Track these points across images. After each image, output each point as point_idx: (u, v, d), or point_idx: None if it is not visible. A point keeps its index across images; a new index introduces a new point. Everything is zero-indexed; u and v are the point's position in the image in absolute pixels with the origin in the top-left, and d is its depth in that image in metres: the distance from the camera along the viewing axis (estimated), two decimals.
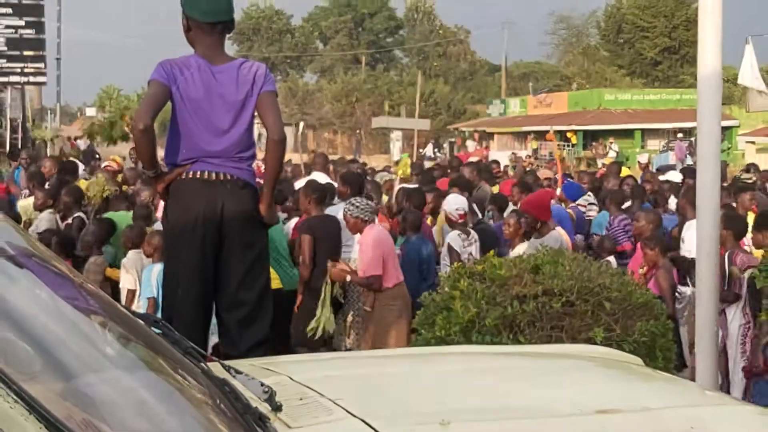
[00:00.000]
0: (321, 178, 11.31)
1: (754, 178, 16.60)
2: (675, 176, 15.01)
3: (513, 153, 41.91)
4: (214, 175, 4.54)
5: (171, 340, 2.70)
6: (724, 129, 42.44)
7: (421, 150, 47.06)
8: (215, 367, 2.70)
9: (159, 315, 4.47)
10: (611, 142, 40.96)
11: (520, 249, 7.30)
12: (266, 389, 2.56)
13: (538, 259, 4.95)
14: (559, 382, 2.97)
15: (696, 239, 4.69)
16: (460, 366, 3.20)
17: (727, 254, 7.10)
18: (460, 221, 8.07)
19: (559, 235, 7.51)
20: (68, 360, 2.05)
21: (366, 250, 7.07)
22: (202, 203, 4.50)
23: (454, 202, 8.27)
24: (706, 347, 4.45)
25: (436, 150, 45.62)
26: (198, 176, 4.51)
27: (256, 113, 4.70)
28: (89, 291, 2.63)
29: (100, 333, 2.39)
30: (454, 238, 7.98)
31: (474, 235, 8.11)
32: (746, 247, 7.54)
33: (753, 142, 37.73)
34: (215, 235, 4.53)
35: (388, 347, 6.82)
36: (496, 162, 20.79)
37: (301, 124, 43.17)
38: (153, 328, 2.74)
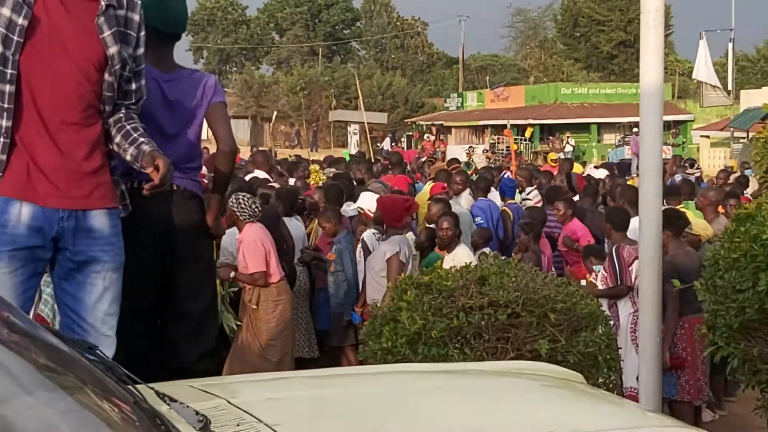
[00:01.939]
0: (260, 175, 11.40)
1: (699, 174, 16.94)
2: (600, 173, 15.23)
3: (470, 146, 42.08)
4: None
5: (105, 367, 2.65)
6: (679, 123, 43.02)
7: (378, 144, 47.09)
8: (150, 395, 2.66)
9: None
10: (568, 137, 41.27)
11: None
12: (201, 418, 2.52)
13: (484, 270, 4.94)
14: (496, 403, 2.96)
15: (640, 248, 4.71)
16: (399, 386, 3.18)
17: (614, 248, 7.38)
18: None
19: (402, 238, 7.60)
20: None
21: (248, 247, 7.18)
22: (148, 213, 4.43)
23: (370, 201, 8.35)
24: (650, 362, 4.46)
25: (393, 144, 45.61)
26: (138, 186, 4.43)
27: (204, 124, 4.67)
28: (8, 319, 2.56)
29: (18, 363, 2.33)
30: (369, 236, 8.12)
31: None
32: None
33: (707, 137, 38.20)
34: (161, 247, 4.47)
35: (275, 342, 7.17)
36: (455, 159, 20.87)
37: (274, 113, 43.00)
38: (86, 355, 2.69)
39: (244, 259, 7.24)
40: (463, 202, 10.25)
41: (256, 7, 79.23)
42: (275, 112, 43.45)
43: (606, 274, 7.48)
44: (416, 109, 59.28)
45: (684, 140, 41.87)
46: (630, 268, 7.25)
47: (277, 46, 76.70)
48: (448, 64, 74.17)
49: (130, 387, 2.57)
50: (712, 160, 32.66)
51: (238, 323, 7.31)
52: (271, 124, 42.85)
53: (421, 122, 54.01)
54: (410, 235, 8.44)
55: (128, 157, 3.75)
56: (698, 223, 8.33)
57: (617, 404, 3.47)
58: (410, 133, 52.76)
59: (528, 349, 4.62)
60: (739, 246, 4.07)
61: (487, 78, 61.83)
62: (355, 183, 11.49)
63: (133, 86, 3.85)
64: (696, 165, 18.61)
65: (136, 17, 3.78)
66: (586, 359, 4.74)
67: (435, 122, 52.22)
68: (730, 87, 36.17)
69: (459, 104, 54.02)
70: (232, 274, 7.29)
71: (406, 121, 55.18)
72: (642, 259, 4.67)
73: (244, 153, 24.12)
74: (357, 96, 58.08)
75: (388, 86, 58.26)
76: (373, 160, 18.40)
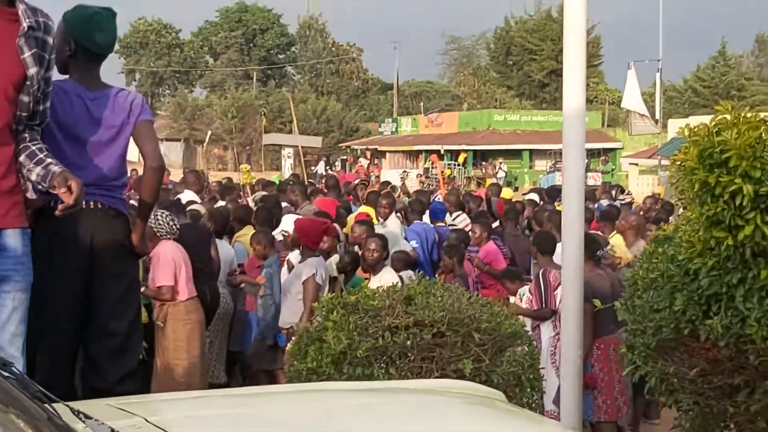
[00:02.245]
0: (190, 196, 11.35)
1: (630, 200, 17.31)
2: (534, 197, 15.50)
3: (404, 171, 42.29)
4: (84, 203, 4.42)
5: (20, 384, 2.61)
6: (609, 151, 43.80)
7: (312, 167, 47.06)
8: (65, 412, 2.63)
9: None
10: (501, 162, 41.72)
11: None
12: None
13: (411, 290, 4.97)
14: (418, 420, 2.98)
15: (563, 270, 4.79)
16: (321, 405, 3.18)
17: (540, 272, 7.52)
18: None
19: (319, 261, 7.62)
20: None
21: (157, 261, 7.16)
22: (72, 231, 4.38)
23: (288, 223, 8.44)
24: (571, 381, 4.53)
25: (327, 168, 45.64)
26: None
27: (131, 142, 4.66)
28: None
29: None
30: (295, 257, 8.10)
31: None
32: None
33: (636, 164, 38.92)
34: (85, 265, 4.42)
35: (180, 363, 7.08)
36: (387, 182, 21.05)
37: (209, 133, 42.79)
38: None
39: (152, 272, 7.20)
40: (390, 225, 10.29)
41: (190, 30, 78.73)
42: (209, 133, 43.24)
43: (531, 297, 7.57)
44: (351, 133, 59.46)
45: (613, 167, 42.57)
46: (555, 292, 7.36)
47: (211, 69, 76.30)
48: (383, 90, 74.57)
49: (45, 404, 2.54)
50: (640, 187, 33.23)
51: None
52: (205, 146, 42.60)
53: (356, 146, 54.18)
54: (335, 258, 8.43)
55: (34, 177, 3.74)
56: (618, 245, 8.54)
57: (538, 422, 3.52)
58: (345, 157, 52.89)
59: (452, 368, 4.66)
60: (656, 266, 4.17)
61: (422, 104, 62.30)
62: (289, 204, 11.55)
63: (41, 107, 3.86)
64: (627, 191, 19.05)
65: (50, 40, 3.81)
66: (509, 379, 4.80)
67: (370, 146, 52.44)
68: (658, 116, 36.92)
69: (393, 129, 54.34)
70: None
71: (340, 145, 55.29)
72: (564, 280, 4.75)
73: (176, 175, 23.92)
74: (291, 120, 58.21)
75: (323, 110, 58.37)
76: (306, 183, 18.41)
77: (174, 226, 7.26)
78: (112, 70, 68.52)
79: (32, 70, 3.65)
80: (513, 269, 8.72)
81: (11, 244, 3.60)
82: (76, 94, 4.50)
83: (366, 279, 7.88)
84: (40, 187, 3.77)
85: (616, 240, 9.00)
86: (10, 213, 3.63)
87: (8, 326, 3.65)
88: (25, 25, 3.63)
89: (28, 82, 3.66)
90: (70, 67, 4.58)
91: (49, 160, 3.76)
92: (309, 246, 7.65)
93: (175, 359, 7.08)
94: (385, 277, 7.60)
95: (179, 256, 7.23)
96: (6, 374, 2.63)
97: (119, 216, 4.63)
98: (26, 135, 3.82)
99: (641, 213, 13.05)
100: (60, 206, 3.63)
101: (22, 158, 3.76)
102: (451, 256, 8.56)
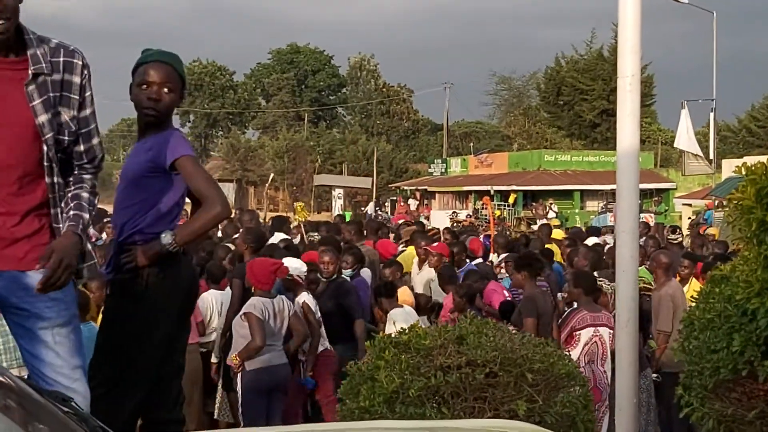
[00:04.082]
0: None
1: (680, 239, 17.16)
2: (593, 241, 15.37)
3: (454, 212, 42.27)
4: (183, 248, 4.50)
5: (79, 419, 2.65)
6: (662, 191, 43.39)
7: (362, 208, 47.25)
8: None
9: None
10: (551, 203, 41.54)
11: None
12: None
13: (462, 329, 4.96)
14: None
15: (616, 310, 4.75)
16: None
17: (570, 309, 7.66)
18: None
19: (266, 300, 7.53)
20: None
21: None
22: (187, 275, 4.49)
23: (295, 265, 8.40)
24: (625, 423, 4.47)
25: (377, 209, 45.78)
26: (182, 249, 4.43)
27: None
28: None
29: None
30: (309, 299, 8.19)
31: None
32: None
33: (690, 204, 38.48)
34: (185, 307, 4.54)
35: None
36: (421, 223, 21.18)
37: (271, 175, 43.31)
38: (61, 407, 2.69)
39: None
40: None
41: (243, 72, 79.89)
42: (272, 175, 43.71)
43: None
44: (400, 174, 59.62)
45: (666, 208, 42.17)
46: (576, 333, 7.44)
47: (263, 111, 77.20)
48: (432, 131, 74.78)
49: None
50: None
51: None
52: (267, 186, 42.99)
53: (406, 187, 54.28)
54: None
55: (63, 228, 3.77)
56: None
57: None
58: (394, 198, 53.01)
59: (505, 409, 4.62)
60: (713, 306, 4.12)
61: (471, 144, 62.35)
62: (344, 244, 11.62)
63: (81, 147, 3.85)
64: (678, 230, 18.87)
65: (77, 79, 3.76)
66: (563, 420, 4.75)
67: (419, 187, 52.50)
68: (711, 156, 36.51)
69: (443, 170, 54.39)
70: None
71: (390, 185, 55.44)
72: (619, 320, 4.70)
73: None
74: (341, 161, 58.62)
75: (373, 152, 58.72)
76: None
77: None
78: None
79: (42, 118, 3.63)
80: (508, 303, 8.80)
81: (34, 284, 3.63)
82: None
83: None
84: None
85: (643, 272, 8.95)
86: (28, 256, 3.66)
87: (56, 360, 3.69)
88: (30, 72, 3.61)
89: (39, 130, 3.63)
90: (171, 115, 4.54)
91: (70, 213, 3.76)
92: (257, 286, 7.59)
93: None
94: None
95: None
96: (66, 409, 2.67)
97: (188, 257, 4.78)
98: (71, 178, 3.85)
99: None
100: (38, 283, 3.56)
101: (63, 204, 3.81)
102: (461, 296, 8.56)
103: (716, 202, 30.86)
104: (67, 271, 3.57)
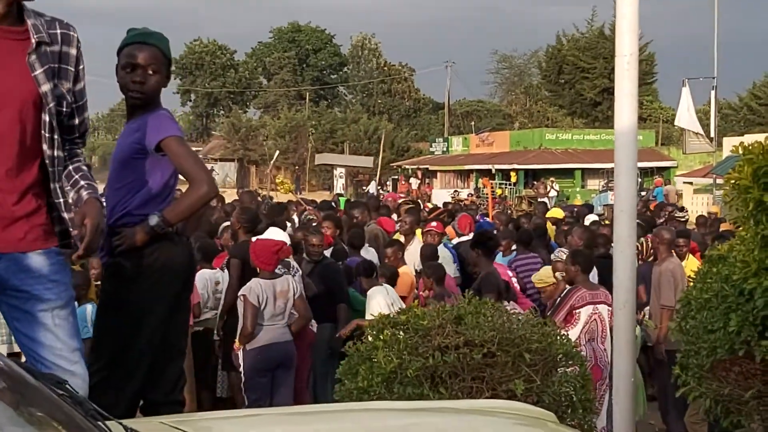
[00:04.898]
0: None
1: (686, 217, 17.21)
2: (593, 218, 15.37)
3: (455, 190, 42.25)
4: (176, 228, 4.49)
5: (74, 402, 2.65)
6: (663, 169, 43.31)
7: (364, 187, 47.24)
8: (119, 431, 2.65)
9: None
10: (552, 182, 41.48)
11: None
12: None
13: (461, 310, 4.97)
14: None
15: (614, 291, 4.75)
16: (374, 424, 3.19)
17: (570, 287, 7.64)
18: None
19: (255, 284, 7.53)
20: None
21: None
22: (181, 257, 4.46)
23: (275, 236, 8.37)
24: (623, 403, 4.47)
25: (378, 188, 45.77)
26: (175, 230, 4.44)
27: None
28: None
29: None
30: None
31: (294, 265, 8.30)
32: None
33: (690, 183, 38.42)
34: (180, 290, 4.51)
35: None
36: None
37: (276, 153, 43.23)
38: (55, 389, 2.69)
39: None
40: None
41: (244, 51, 79.58)
42: (277, 153, 43.58)
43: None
44: (402, 153, 59.52)
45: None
46: (576, 311, 7.47)
47: (264, 90, 76.99)
48: (434, 110, 74.59)
49: (99, 423, 2.57)
50: (695, 206, 32.76)
51: None
52: (271, 164, 42.87)
53: (407, 166, 54.23)
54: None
55: (70, 200, 3.72)
56: (545, 272, 8.70)
57: None
58: (396, 177, 52.97)
59: (503, 388, 4.63)
60: (710, 286, 4.12)
61: (473, 123, 62.19)
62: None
63: (76, 120, 3.81)
64: (684, 209, 18.95)
65: (73, 51, 3.72)
66: (561, 399, 4.76)
67: (421, 166, 52.45)
68: (712, 134, 36.40)
69: (445, 149, 54.32)
70: None
71: (391, 164, 55.39)
72: (616, 301, 4.70)
73: (231, 195, 24.13)
74: (343, 140, 58.51)
75: (375, 130, 58.61)
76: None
77: None
78: (167, 90, 69.20)
79: (45, 87, 3.58)
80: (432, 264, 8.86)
81: (35, 265, 3.60)
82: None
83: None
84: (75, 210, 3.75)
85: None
86: (27, 236, 3.63)
87: (56, 343, 3.68)
88: (33, 41, 3.57)
89: (43, 100, 3.59)
90: (157, 98, 4.50)
91: (82, 182, 3.74)
92: (260, 267, 7.60)
93: None
94: None
95: None
96: (60, 392, 2.66)
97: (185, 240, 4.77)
98: (65, 153, 3.79)
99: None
100: (74, 256, 3.63)
101: (63, 179, 3.75)
102: (429, 276, 8.48)
103: (716, 179, 30.88)
104: (101, 236, 3.57)
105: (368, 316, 7.84)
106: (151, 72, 4.34)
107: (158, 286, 4.32)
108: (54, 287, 3.68)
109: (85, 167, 3.86)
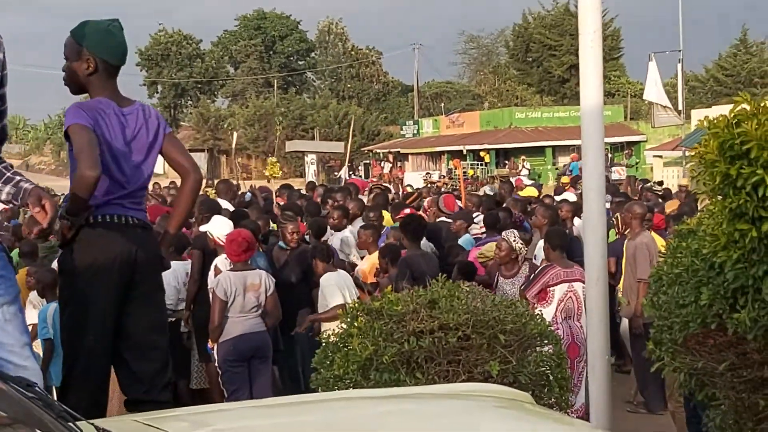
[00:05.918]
0: (225, 205, 11.36)
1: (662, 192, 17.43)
2: (570, 197, 15.34)
3: (427, 173, 42.31)
4: (123, 219, 4.46)
5: (43, 404, 2.62)
6: (632, 144, 43.57)
7: (336, 173, 47.15)
8: (90, 431, 2.63)
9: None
10: (523, 160, 41.65)
11: None
12: None
13: (434, 293, 4.96)
14: (447, 426, 2.97)
15: (585, 268, 4.75)
16: (351, 413, 3.18)
17: (544, 265, 7.72)
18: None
19: (224, 277, 7.51)
20: None
21: None
22: (117, 248, 4.41)
23: (220, 226, 8.33)
24: (599, 381, 4.49)
25: (350, 173, 45.69)
26: (109, 220, 4.41)
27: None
28: None
29: None
30: (221, 261, 8.01)
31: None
32: None
33: (660, 156, 38.69)
34: (127, 281, 4.45)
35: None
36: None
37: (234, 136, 43.07)
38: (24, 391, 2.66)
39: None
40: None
41: (210, 40, 78.94)
42: (235, 135, 43.48)
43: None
44: (373, 137, 59.45)
45: (637, 161, 42.38)
46: (550, 289, 7.50)
47: (232, 78, 76.51)
48: (403, 92, 74.52)
49: (70, 424, 2.55)
50: (665, 180, 33.06)
51: None
52: (233, 149, 42.78)
53: (378, 150, 54.20)
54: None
55: (4, 197, 3.72)
56: (488, 247, 8.83)
57: (568, 424, 3.49)
58: (368, 161, 52.93)
59: (479, 371, 4.64)
60: (681, 261, 4.13)
61: (442, 105, 62.23)
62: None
63: (3, 123, 3.81)
64: (662, 183, 19.25)
65: (1, 56, 3.70)
66: (537, 379, 4.78)
67: (392, 150, 52.44)
68: (680, 107, 36.67)
69: (415, 131, 54.35)
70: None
71: (362, 149, 55.32)
72: (589, 278, 4.70)
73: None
74: (313, 126, 58.34)
75: (345, 115, 58.47)
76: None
77: None
78: (134, 82, 68.90)
79: None
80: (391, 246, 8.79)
81: None
82: (114, 113, 4.51)
83: None
84: (14, 205, 3.76)
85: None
86: None
87: (5, 339, 3.64)
88: None
89: None
90: (92, 85, 4.56)
91: (18, 177, 3.76)
92: (232, 260, 7.56)
93: None
94: None
95: None
96: (30, 394, 2.64)
97: (150, 230, 4.72)
98: None
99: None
100: (34, 230, 3.62)
101: None
102: (384, 256, 8.37)
103: (685, 152, 31.08)
104: (56, 220, 3.59)
105: (323, 306, 7.84)
106: (66, 61, 4.55)
107: (92, 278, 4.31)
108: (2, 283, 3.64)
109: (10, 165, 3.87)
